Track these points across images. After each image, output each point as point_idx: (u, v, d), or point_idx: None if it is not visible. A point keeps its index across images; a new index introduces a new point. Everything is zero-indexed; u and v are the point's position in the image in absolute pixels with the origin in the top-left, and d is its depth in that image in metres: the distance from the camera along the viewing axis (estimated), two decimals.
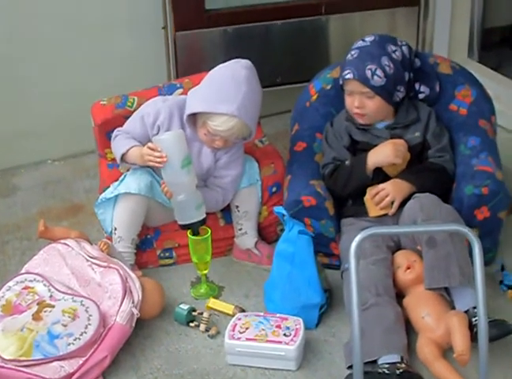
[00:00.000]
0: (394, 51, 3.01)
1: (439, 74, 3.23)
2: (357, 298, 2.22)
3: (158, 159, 2.86)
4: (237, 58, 3.04)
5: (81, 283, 2.79)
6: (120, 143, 3.03)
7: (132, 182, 3.01)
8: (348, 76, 3.00)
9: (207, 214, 2.99)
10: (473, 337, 2.48)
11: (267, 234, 3.27)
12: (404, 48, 3.06)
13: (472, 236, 2.23)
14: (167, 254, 3.19)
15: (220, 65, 3.01)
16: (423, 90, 3.18)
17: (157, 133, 3.01)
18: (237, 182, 3.12)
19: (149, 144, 2.91)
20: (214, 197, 3.09)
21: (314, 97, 3.32)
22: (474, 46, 4.61)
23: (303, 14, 4.16)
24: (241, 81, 2.90)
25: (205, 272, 3.00)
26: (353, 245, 2.19)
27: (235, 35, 4.08)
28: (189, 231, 2.92)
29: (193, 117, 3.00)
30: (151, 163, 2.90)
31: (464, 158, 3.07)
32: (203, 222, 2.93)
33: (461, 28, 4.51)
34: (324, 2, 4.18)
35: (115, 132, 3.08)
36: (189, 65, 3.91)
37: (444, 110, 3.22)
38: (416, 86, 3.17)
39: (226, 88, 2.91)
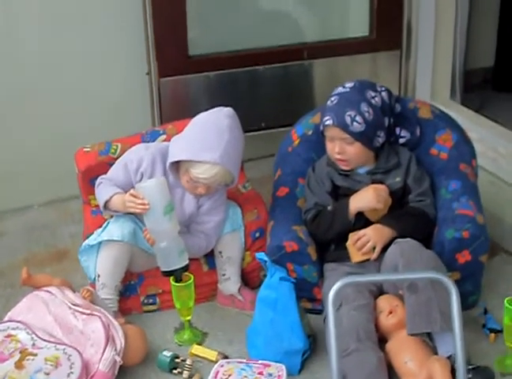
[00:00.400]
0: (374, 97, 3.03)
1: (420, 119, 3.25)
2: (335, 346, 2.23)
3: (140, 206, 2.87)
4: (221, 103, 3.09)
5: (64, 330, 2.78)
6: (103, 190, 3.04)
7: (115, 230, 3.02)
8: (327, 123, 3.03)
9: (190, 260, 2.99)
10: None
11: (250, 279, 3.27)
12: (383, 94, 3.08)
13: (450, 283, 2.24)
14: (150, 301, 3.19)
15: (203, 114, 3.04)
16: (404, 135, 3.20)
17: (140, 180, 3.03)
18: (220, 228, 3.14)
19: (131, 191, 2.92)
20: (197, 243, 3.10)
21: (296, 142, 3.35)
22: (456, 88, 4.61)
23: (285, 59, 4.22)
24: (224, 130, 2.93)
25: (189, 318, 3.00)
26: (331, 294, 2.21)
27: (219, 80, 4.13)
28: (171, 278, 2.92)
29: (176, 164, 3.02)
30: (133, 210, 2.91)
31: (446, 202, 3.09)
32: (186, 268, 2.93)
33: (444, 70, 4.53)
34: (306, 47, 4.24)
35: (99, 179, 3.10)
36: (173, 111, 3.96)
37: (425, 154, 3.24)
38: (397, 131, 3.19)
39: (209, 137, 2.93)
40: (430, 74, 4.49)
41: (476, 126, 4.11)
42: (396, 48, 4.41)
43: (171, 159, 2.99)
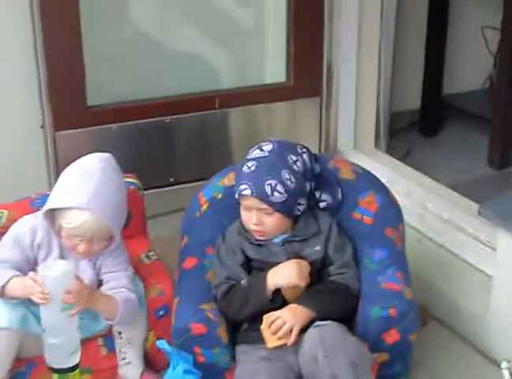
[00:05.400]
0: (295, 162, 2.81)
1: (341, 180, 3.05)
2: None
3: (39, 295, 2.61)
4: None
5: None
6: None
7: (2, 315, 2.74)
8: (245, 193, 2.79)
9: (87, 339, 2.81)
10: None
11: (156, 361, 3.01)
12: (304, 156, 2.86)
13: None
14: None
15: (77, 160, 2.88)
16: (325, 198, 2.97)
17: (37, 252, 2.81)
18: (134, 281, 2.91)
19: (31, 275, 2.65)
20: (114, 304, 2.82)
21: (204, 207, 3.11)
22: (381, 133, 4.55)
23: (196, 109, 4.06)
24: (94, 173, 2.76)
25: None
26: None
27: (122, 133, 3.93)
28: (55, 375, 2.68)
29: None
30: (32, 297, 2.64)
31: (370, 274, 2.88)
32: (74, 368, 2.68)
33: (367, 117, 4.45)
34: (218, 95, 4.09)
35: None
36: None
37: (347, 218, 3.02)
38: (317, 194, 2.96)
39: (75, 181, 2.76)
40: (352, 121, 4.41)
41: (402, 179, 4.05)
42: (315, 95, 4.29)
43: (41, 214, 2.79)
